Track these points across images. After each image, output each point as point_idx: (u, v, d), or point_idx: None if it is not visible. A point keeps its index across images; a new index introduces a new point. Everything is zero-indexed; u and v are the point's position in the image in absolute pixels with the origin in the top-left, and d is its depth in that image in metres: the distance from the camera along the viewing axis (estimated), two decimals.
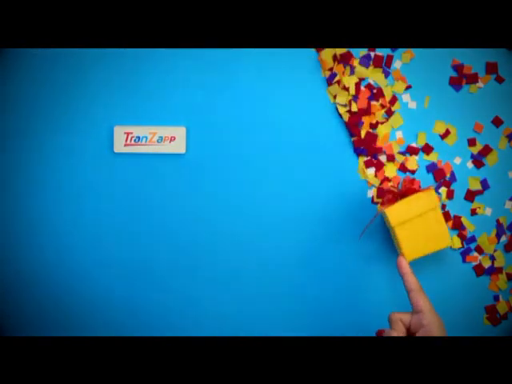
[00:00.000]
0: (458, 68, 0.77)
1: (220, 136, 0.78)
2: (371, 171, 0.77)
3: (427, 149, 0.77)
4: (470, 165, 0.78)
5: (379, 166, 0.77)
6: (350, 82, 0.76)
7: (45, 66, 0.77)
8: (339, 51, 0.76)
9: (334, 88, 0.76)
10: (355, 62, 0.77)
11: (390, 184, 0.77)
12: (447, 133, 0.77)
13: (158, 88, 0.77)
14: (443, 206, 0.77)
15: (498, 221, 0.78)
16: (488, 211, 0.78)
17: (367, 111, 0.76)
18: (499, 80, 0.77)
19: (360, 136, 0.77)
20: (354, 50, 0.76)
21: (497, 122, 0.77)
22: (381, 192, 0.77)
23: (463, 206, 0.78)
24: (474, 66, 0.77)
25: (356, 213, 0.78)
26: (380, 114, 0.77)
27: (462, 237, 0.78)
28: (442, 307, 0.76)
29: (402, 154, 0.77)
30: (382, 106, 0.77)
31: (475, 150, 0.77)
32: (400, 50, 0.77)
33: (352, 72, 0.76)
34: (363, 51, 0.77)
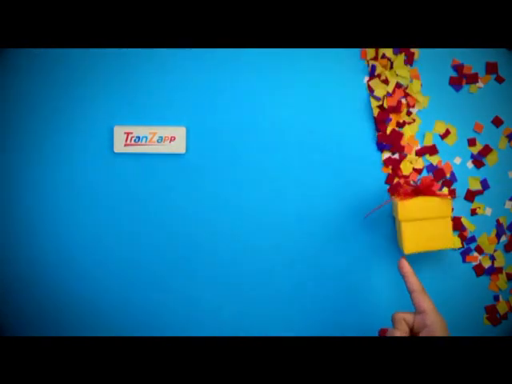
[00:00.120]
0: (457, 68, 0.77)
1: (220, 136, 0.78)
2: (389, 168, 0.77)
3: (434, 150, 0.77)
4: (469, 165, 0.78)
5: (396, 164, 0.77)
6: (392, 77, 0.76)
7: (45, 66, 0.77)
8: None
9: (376, 81, 0.76)
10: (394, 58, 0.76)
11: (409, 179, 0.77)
12: (447, 133, 0.77)
13: (158, 88, 0.77)
14: None
15: (498, 221, 0.78)
16: (488, 211, 0.78)
17: (396, 109, 0.76)
18: (499, 80, 0.77)
19: (385, 132, 0.76)
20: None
21: (497, 122, 0.77)
22: (398, 185, 0.76)
23: (463, 206, 0.78)
24: (473, 66, 0.77)
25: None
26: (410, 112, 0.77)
27: (462, 237, 0.78)
28: (442, 307, 0.76)
29: (419, 154, 0.77)
30: (408, 106, 0.77)
31: (475, 149, 0.77)
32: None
33: (391, 67, 0.76)
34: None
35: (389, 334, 0.66)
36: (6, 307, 0.79)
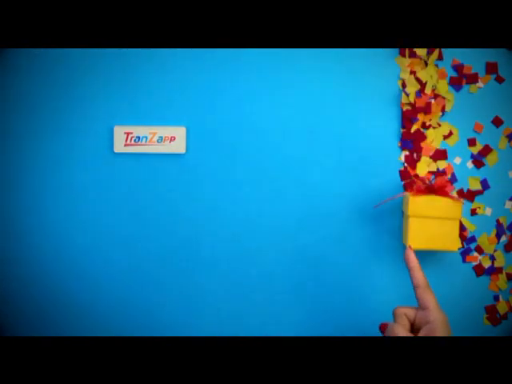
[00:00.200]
0: (457, 68, 0.77)
1: (220, 136, 0.78)
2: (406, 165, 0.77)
3: (444, 155, 0.77)
4: (470, 165, 0.78)
5: (414, 163, 0.77)
6: (427, 76, 0.76)
7: (45, 66, 0.77)
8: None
9: (411, 78, 0.76)
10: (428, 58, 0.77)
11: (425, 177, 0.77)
12: (450, 134, 0.77)
13: (158, 88, 0.77)
14: None
15: (498, 221, 0.78)
16: (488, 211, 0.78)
17: (425, 109, 0.76)
18: (499, 80, 0.77)
19: (410, 130, 0.76)
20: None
21: (497, 122, 0.77)
22: (413, 181, 0.76)
23: (463, 205, 0.78)
24: (473, 66, 0.77)
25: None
26: (437, 117, 0.77)
27: (462, 237, 0.78)
28: (443, 307, 0.76)
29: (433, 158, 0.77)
30: (442, 109, 0.77)
31: (475, 149, 0.77)
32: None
33: (425, 65, 0.76)
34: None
35: (389, 328, 0.65)
36: (5, 307, 0.79)
